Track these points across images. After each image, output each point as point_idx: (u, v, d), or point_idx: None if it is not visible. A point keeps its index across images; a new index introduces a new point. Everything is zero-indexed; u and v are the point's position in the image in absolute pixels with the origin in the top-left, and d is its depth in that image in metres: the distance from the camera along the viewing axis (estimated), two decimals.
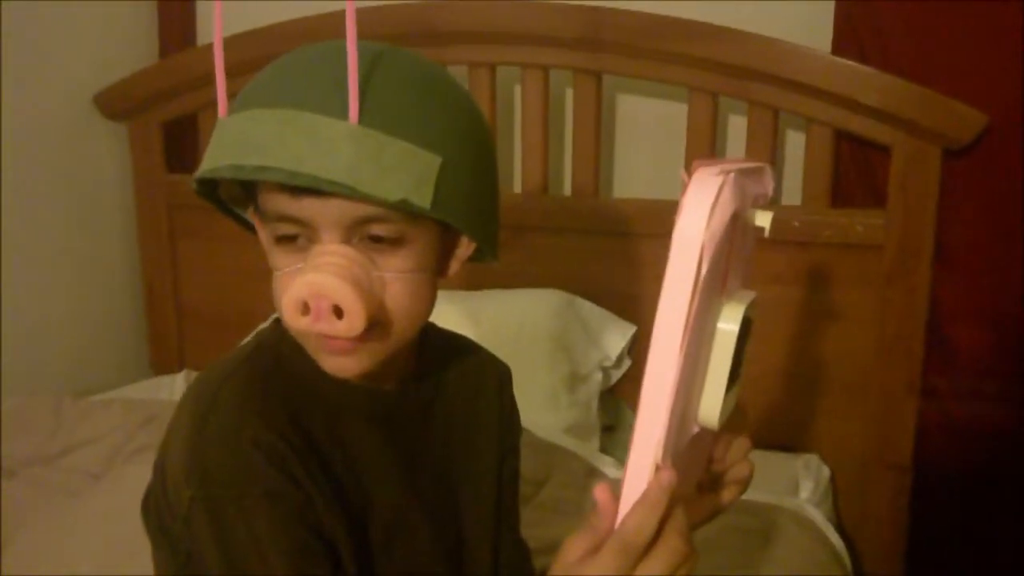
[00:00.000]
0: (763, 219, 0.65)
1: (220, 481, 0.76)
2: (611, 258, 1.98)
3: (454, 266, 0.85)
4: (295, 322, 0.75)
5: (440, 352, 0.96)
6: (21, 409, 1.91)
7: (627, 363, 1.97)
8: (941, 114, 1.71)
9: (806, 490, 1.73)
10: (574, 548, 0.63)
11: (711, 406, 0.65)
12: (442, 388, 0.95)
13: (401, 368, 0.88)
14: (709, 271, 0.58)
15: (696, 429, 0.66)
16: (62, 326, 2.22)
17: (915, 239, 1.78)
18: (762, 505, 1.62)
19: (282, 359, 0.84)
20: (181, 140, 2.34)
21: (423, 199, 0.73)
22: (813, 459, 1.84)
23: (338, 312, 0.73)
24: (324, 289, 0.72)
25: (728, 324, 0.64)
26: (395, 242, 0.76)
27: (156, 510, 0.82)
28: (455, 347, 1.01)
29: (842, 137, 1.84)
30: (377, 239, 0.75)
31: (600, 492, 0.62)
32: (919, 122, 1.72)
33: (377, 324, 0.76)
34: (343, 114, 0.71)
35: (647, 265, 1.96)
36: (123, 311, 2.40)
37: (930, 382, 1.85)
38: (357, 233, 0.75)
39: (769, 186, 0.74)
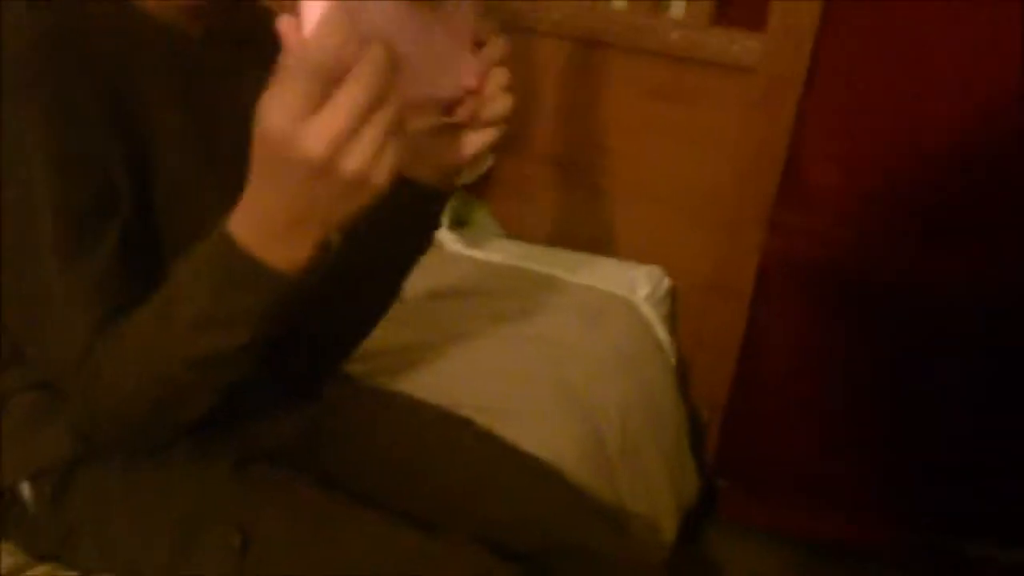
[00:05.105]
0: None
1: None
2: None
3: None
4: None
5: (260, 17, 0.92)
6: None
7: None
8: None
9: (643, 291, 1.74)
10: (265, 94, 0.59)
11: None
12: (254, 54, 0.90)
13: (211, 16, 0.85)
14: None
15: None
16: None
17: (788, 67, 1.78)
18: (590, 289, 1.63)
19: None
20: None
21: None
22: (656, 270, 1.85)
23: None
24: None
25: None
26: None
27: None
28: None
29: None
30: None
31: (283, 23, 0.58)
32: None
33: None
34: None
35: None
36: None
37: (781, 217, 1.88)
38: None
39: None
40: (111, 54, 0.79)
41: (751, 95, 1.81)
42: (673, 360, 1.69)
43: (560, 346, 1.46)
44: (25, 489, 0.87)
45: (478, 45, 0.75)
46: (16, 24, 0.74)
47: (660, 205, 1.91)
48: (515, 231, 1.94)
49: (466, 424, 1.08)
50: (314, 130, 0.57)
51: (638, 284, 1.77)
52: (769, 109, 1.81)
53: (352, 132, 0.57)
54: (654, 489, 1.46)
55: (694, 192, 1.89)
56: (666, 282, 1.84)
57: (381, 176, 0.60)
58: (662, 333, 1.66)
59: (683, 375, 1.82)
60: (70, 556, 0.89)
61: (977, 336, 1.81)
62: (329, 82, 0.57)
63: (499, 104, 0.76)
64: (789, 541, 1.90)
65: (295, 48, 0.57)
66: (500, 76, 0.76)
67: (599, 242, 1.93)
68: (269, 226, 0.64)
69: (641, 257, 1.91)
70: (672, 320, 1.84)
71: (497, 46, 0.75)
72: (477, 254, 1.75)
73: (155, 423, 0.78)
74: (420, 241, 0.91)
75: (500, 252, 1.78)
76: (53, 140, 0.74)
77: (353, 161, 0.58)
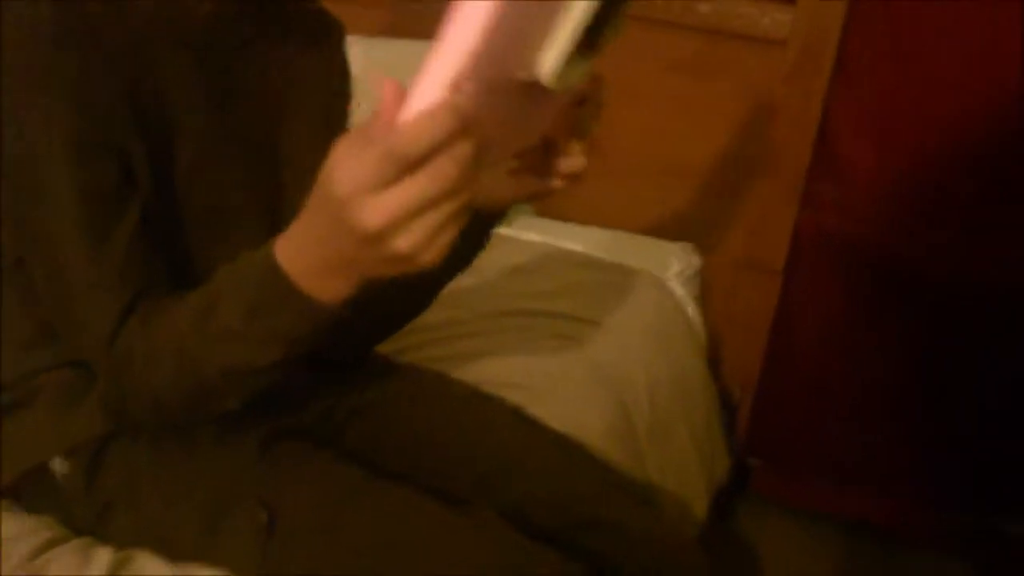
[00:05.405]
0: None
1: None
2: None
3: None
4: None
5: None
6: None
7: None
8: None
9: (674, 269, 1.72)
10: (341, 143, 0.58)
11: (551, 56, 0.60)
12: (267, 26, 0.91)
13: None
14: None
15: (525, 77, 0.61)
16: None
17: (819, 39, 1.76)
18: (620, 266, 1.62)
19: None
20: None
21: None
22: (686, 247, 1.83)
23: None
24: None
25: None
26: None
27: None
28: None
29: None
30: None
31: (388, 85, 0.56)
32: None
33: None
34: None
35: None
36: None
37: (814, 192, 1.85)
38: None
39: None
40: (123, 40, 0.79)
41: (782, 68, 1.79)
42: (703, 338, 1.68)
43: (589, 324, 1.45)
44: (58, 465, 0.88)
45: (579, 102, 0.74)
46: (17, 22, 0.75)
47: (690, 181, 1.89)
48: (545, 209, 1.93)
49: (495, 402, 1.08)
50: (376, 205, 0.56)
51: (668, 261, 1.75)
52: (800, 82, 1.78)
53: (413, 216, 0.56)
54: (683, 467, 1.45)
55: (725, 168, 1.87)
56: (696, 259, 1.83)
57: (430, 257, 0.58)
58: (692, 311, 1.65)
59: (714, 353, 1.81)
60: (105, 531, 0.91)
61: (1012, 313, 1.79)
62: (409, 165, 0.55)
63: (575, 161, 0.77)
64: (821, 520, 1.89)
65: (386, 126, 0.55)
66: (584, 140, 0.77)
67: (628, 219, 1.92)
68: (313, 263, 0.65)
69: (671, 234, 1.90)
70: (703, 297, 1.83)
71: (595, 113, 0.76)
72: (508, 232, 1.74)
73: (185, 413, 0.80)
74: (466, 258, 0.92)
75: (531, 230, 1.78)
76: (72, 129, 0.75)
77: (405, 241, 0.57)
